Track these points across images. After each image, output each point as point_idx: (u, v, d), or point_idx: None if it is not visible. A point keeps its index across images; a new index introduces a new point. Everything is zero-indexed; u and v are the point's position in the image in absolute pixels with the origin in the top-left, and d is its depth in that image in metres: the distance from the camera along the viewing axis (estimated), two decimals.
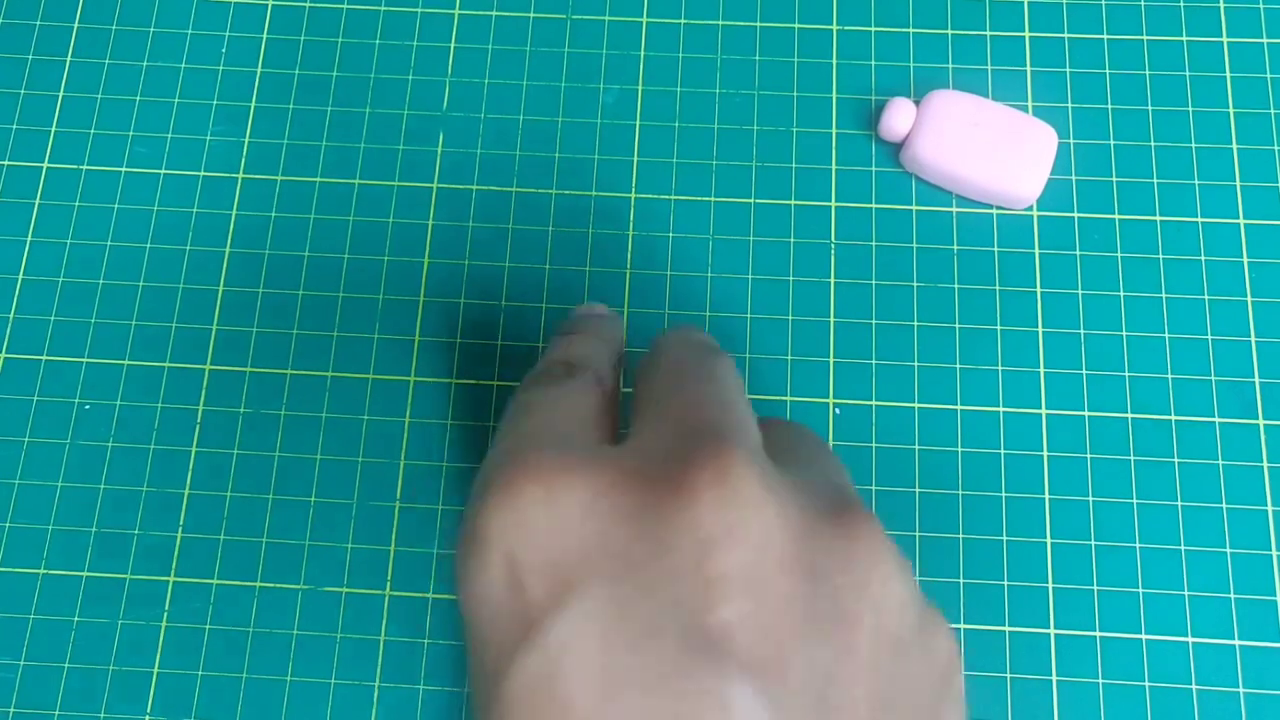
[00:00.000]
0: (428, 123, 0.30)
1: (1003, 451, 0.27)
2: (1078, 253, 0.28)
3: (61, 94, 0.30)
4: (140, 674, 0.26)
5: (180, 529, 0.27)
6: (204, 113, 0.30)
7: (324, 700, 0.26)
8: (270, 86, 0.30)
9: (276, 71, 0.30)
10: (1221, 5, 0.30)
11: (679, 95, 0.30)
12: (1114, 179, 0.29)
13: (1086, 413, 0.27)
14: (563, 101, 0.30)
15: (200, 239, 0.29)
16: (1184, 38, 0.30)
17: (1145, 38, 0.30)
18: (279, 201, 0.29)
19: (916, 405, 0.27)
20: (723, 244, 0.29)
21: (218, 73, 0.30)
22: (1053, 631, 0.26)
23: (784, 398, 0.28)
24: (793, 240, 0.29)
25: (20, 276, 0.29)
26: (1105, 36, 0.30)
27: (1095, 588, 0.26)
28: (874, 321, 0.28)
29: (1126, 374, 0.27)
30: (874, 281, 0.28)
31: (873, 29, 0.30)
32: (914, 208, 0.29)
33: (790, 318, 0.28)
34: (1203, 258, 0.28)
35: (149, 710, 0.26)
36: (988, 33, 0.30)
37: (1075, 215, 0.29)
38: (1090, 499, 0.27)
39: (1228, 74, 0.30)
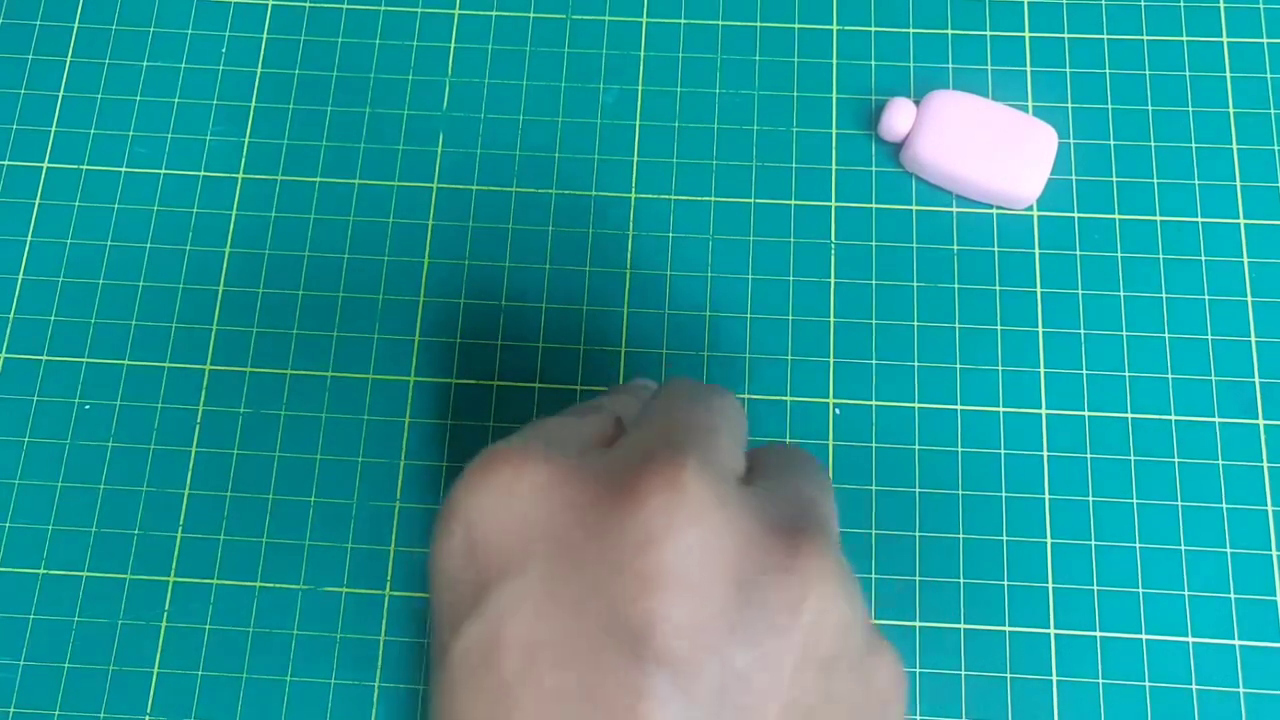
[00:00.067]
0: (428, 123, 0.30)
1: (1003, 451, 0.27)
2: (1078, 253, 0.28)
3: (61, 94, 0.30)
4: (140, 674, 0.26)
5: (180, 529, 0.27)
6: (204, 113, 0.30)
7: (324, 700, 0.26)
8: (270, 86, 0.30)
9: (276, 71, 0.30)
10: (1221, 5, 0.30)
11: (679, 95, 0.30)
12: (1114, 179, 0.29)
13: (1086, 413, 0.27)
14: (563, 101, 0.30)
15: (200, 239, 0.29)
16: (1184, 38, 0.30)
17: (1145, 38, 0.30)
18: (279, 201, 0.29)
19: (916, 405, 0.27)
20: (723, 244, 0.29)
21: (218, 73, 0.30)
22: (1053, 631, 0.26)
23: (784, 397, 0.28)
24: (793, 240, 0.29)
25: (20, 276, 0.29)
26: (1105, 36, 0.30)
27: (1095, 588, 0.26)
28: (874, 321, 0.28)
29: (1126, 374, 0.27)
30: (874, 281, 0.28)
31: (873, 29, 0.30)
32: (914, 208, 0.29)
33: (790, 318, 0.28)
34: (1203, 258, 0.28)
35: (149, 710, 0.26)
36: (988, 33, 0.30)
37: (1075, 215, 0.29)
38: (1090, 499, 0.27)
39: (1228, 74, 0.30)
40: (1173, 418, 0.27)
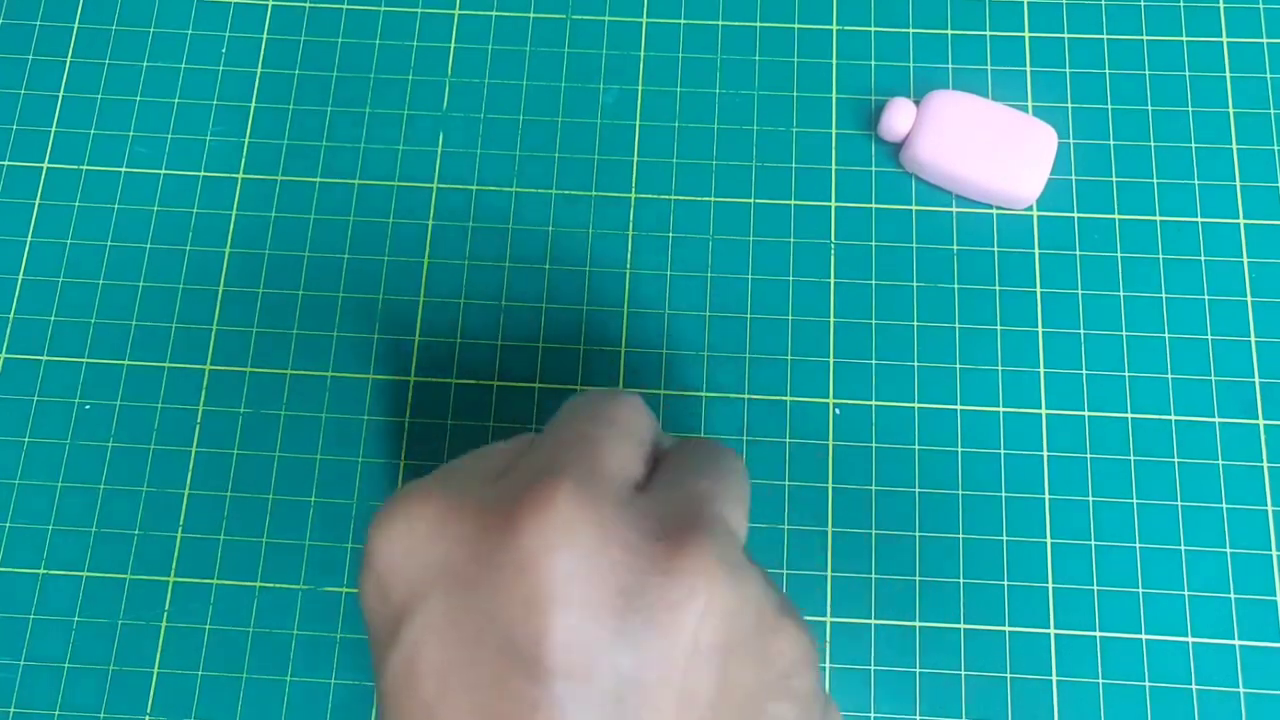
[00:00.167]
0: (428, 123, 0.30)
1: (1003, 451, 0.27)
2: (1078, 253, 0.28)
3: (61, 94, 0.30)
4: (140, 674, 0.26)
5: (180, 529, 0.27)
6: (204, 113, 0.30)
7: (324, 700, 0.26)
8: (270, 86, 0.30)
9: (276, 71, 0.30)
10: (1221, 5, 0.30)
11: (679, 95, 0.30)
12: (1114, 179, 0.29)
13: (1086, 413, 0.27)
14: (563, 101, 0.30)
15: (200, 239, 0.29)
16: (1184, 38, 0.30)
17: (1145, 38, 0.30)
18: (279, 201, 0.29)
19: (916, 405, 0.27)
20: (723, 244, 0.29)
21: (218, 73, 0.30)
22: (1053, 631, 0.26)
23: (784, 397, 0.28)
24: (793, 240, 0.29)
25: (20, 276, 0.29)
26: (1105, 36, 0.30)
27: (1095, 588, 0.26)
28: (874, 321, 0.28)
29: (1126, 374, 0.27)
30: (874, 281, 0.28)
31: (873, 29, 0.30)
32: (914, 208, 0.29)
33: (790, 318, 0.28)
34: (1203, 258, 0.28)
35: (149, 710, 0.26)
36: (988, 33, 0.30)
37: (1075, 215, 0.29)
38: (1090, 499, 0.27)
39: (1228, 74, 0.30)
40: (1173, 418, 0.27)
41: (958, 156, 0.28)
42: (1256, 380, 0.27)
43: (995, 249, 0.28)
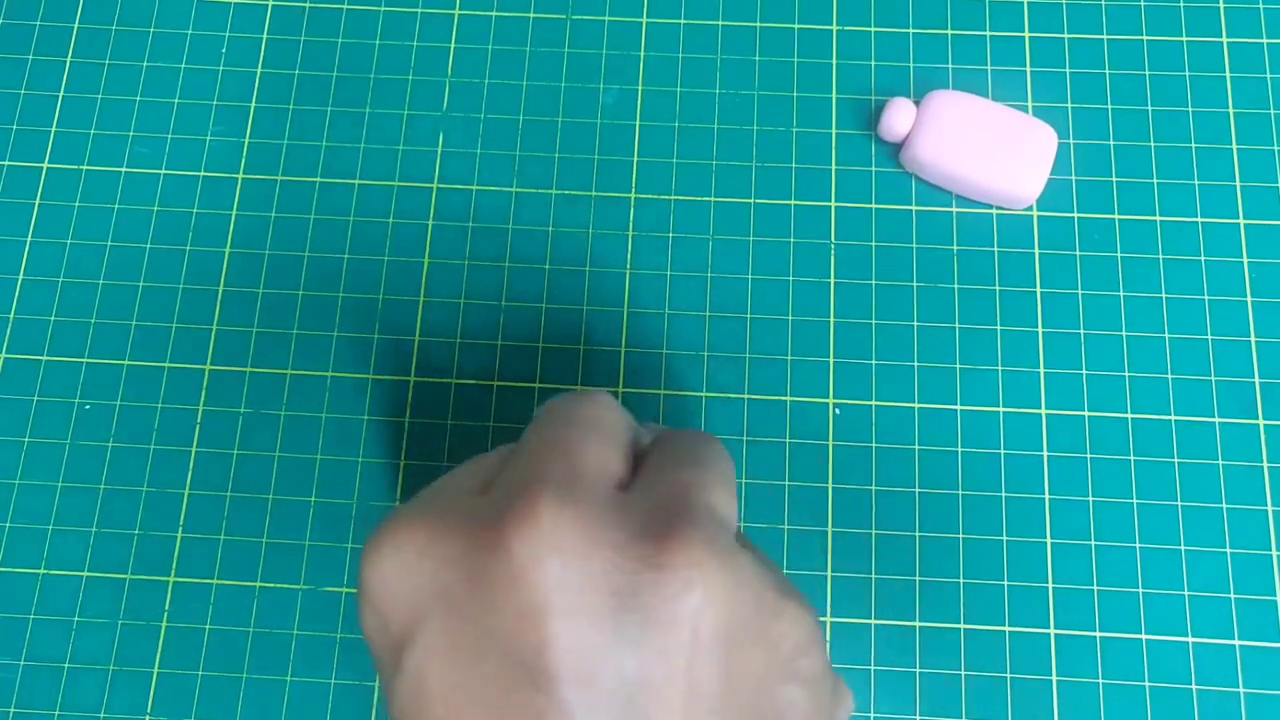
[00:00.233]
0: (428, 123, 0.30)
1: (1003, 451, 0.27)
2: (1078, 253, 0.28)
3: (61, 94, 0.30)
4: (140, 674, 0.26)
5: (180, 529, 0.27)
6: (204, 113, 0.30)
7: (324, 700, 0.26)
8: (270, 86, 0.30)
9: (276, 71, 0.30)
10: (1221, 5, 0.30)
11: (679, 95, 0.30)
12: (1114, 179, 0.29)
13: (1086, 413, 0.27)
14: (563, 101, 0.30)
15: (200, 239, 0.29)
16: (1184, 38, 0.30)
17: (1145, 38, 0.30)
18: (279, 201, 0.29)
19: (916, 405, 0.27)
20: (723, 244, 0.29)
21: (218, 73, 0.30)
22: (1053, 631, 0.26)
23: (784, 398, 0.28)
24: (793, 240, 0.29)
25: (20, 276, 0.29)
26: (1105, 36, 0.30)
27: (1095, 588, 0.26)
28: (874, 321, 0.28)
29: (1126, 374, 0.27)
30: (874, 281, 0.28)
31: (873, 29, 0.30)
32: (914, 208, 0.29)
33: (790, 318, 0.28)
34: (1203, 258, 0.28)
35: (149, 710, 0.26)
36: (988, 33, 0.30)
37: (1075, 215, 0.29)
38: (1090, 499, 0.27)
39: (1228, 74, 0.30)
40: (1173, 418, 0.27)
41: (958, 156, 0.28)
42: (1256, 380, 0.27)
43: (995, 249, 0.28)
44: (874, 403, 0.27)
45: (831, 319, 0.28)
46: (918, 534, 0.26)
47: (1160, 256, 0.28)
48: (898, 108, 0.28)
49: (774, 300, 0.28)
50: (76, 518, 0.27)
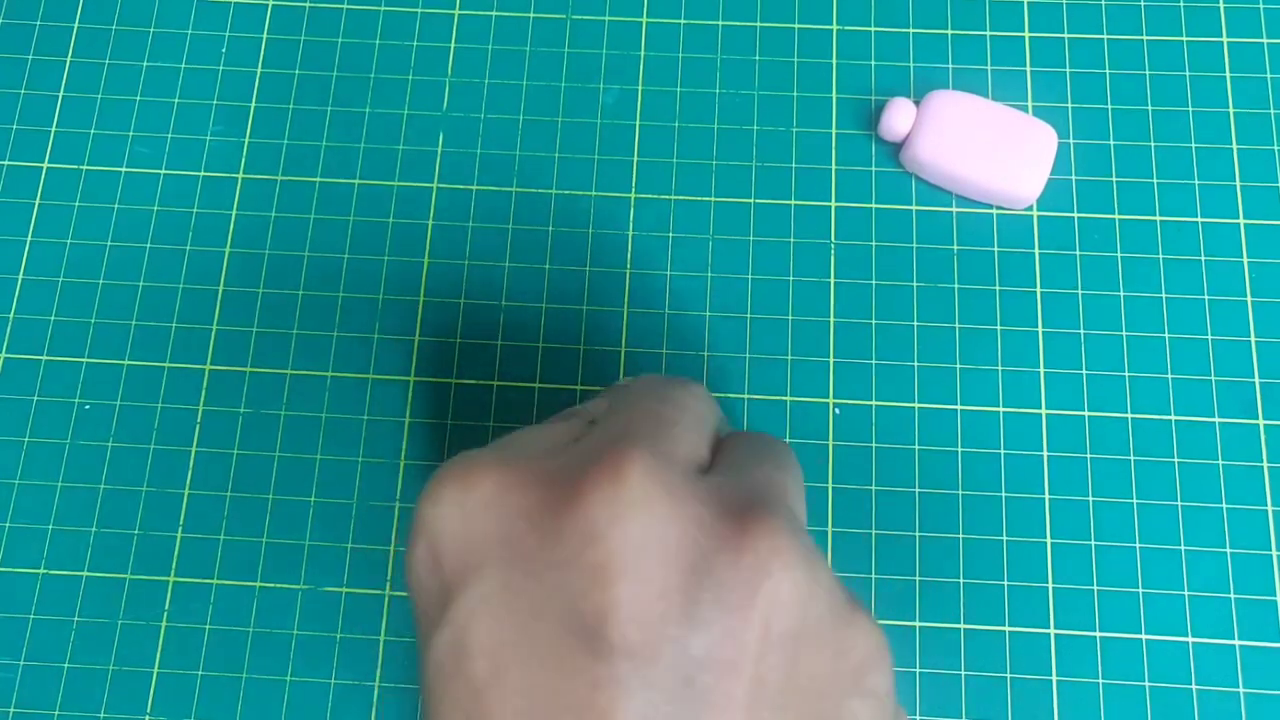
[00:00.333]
0: (428, 123, 0.30)
1: (1003, 451, 0.27)
2: (1078, 253, 0.28)
3: (61, 94, 0.30)
4: (140, 674, 0.26)
5: (180, 529, 0.27)
6: (204, 113, 0.30)
7: (324, 700, 0.26)
8: (270, 86, 0.30)
9: (276, 71, 0.30)
10: (1221, 5, 0.30)
11: (679, 95, 0.30)
12: (1114, 179, 0.29)
13: (1086, 413, 0.27)
14: (563, 101, 0.30)
15: (200, 239, 0.29)
16: (1184, 38, 0.30)
17: (1145, 38, 0.30)
18: (279, 201, 0.29)
19: (916, 405, 0.27)
20: (723, 244, 0.29)
21: (218, 73, 0.30)
22: (1053, 631, 0.26)
23: (784, 397, 0.28)
24: (793, 240, 0.29)
25: (20, 276, 0.29)
26: (1105, 36, 0.30)
27: (1095, 588, 0.26)
28: (874, 321, 0.28)
29: (1126, 374, 0.27)
30: (874, 281, 0.28)
31: (873, 29, 0.30)
32: (914, 208, 0.29)
33: (790, 318, 0.28)
34: (1203, 258, 0.28)
35: (149, 710, 0.26)
36: (988, 33, 0.30)
37: (1075, 215, 0.29)
38: (1090, 499, 0.27)
39: (1228, 74, 0.30)
40: (1173, 418, 0.27)
41: (958, 156, 0.28)
42: (1256, 380, 0.27)
43: (995, 249, 0.28)
44: (874, 403, 0.27)
45: (831, 319, 0.28)
46: (918, 534, 0.26)
47: (1160, 256, 0.28)
48: (898, 108, 0.28)
49: (774, 300, 0.28)
50: (76, 518, 0.27)
